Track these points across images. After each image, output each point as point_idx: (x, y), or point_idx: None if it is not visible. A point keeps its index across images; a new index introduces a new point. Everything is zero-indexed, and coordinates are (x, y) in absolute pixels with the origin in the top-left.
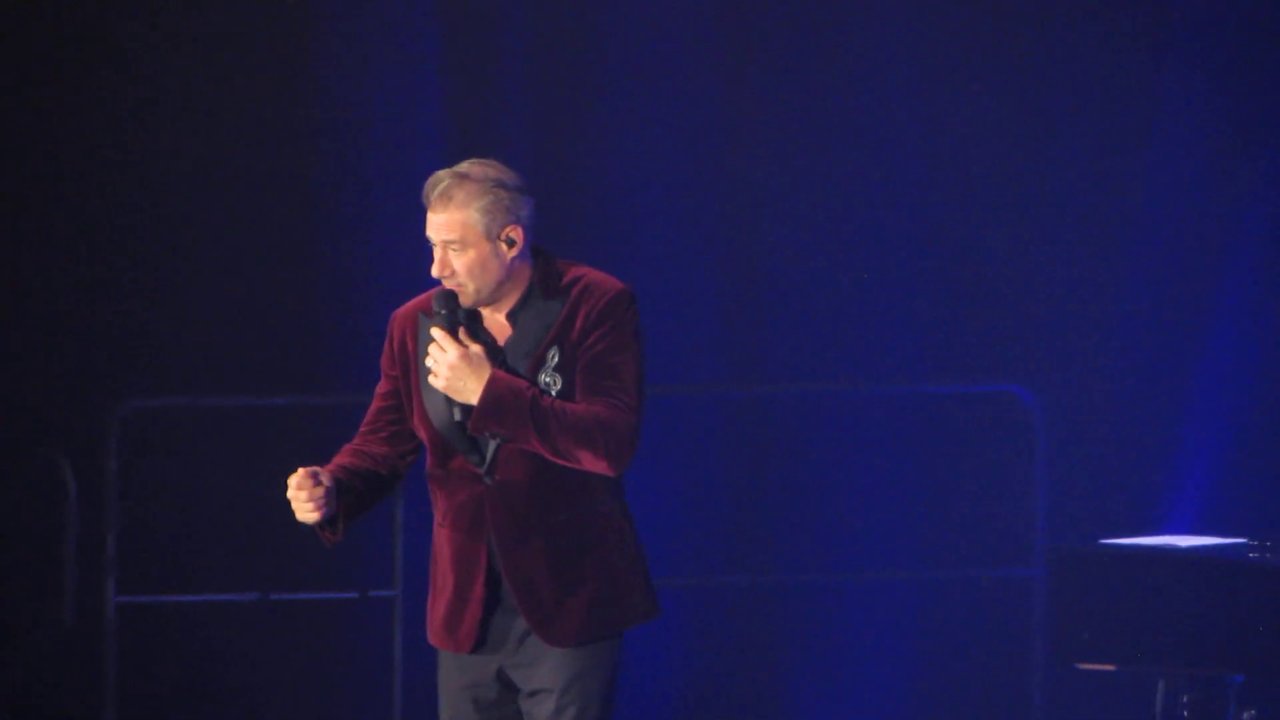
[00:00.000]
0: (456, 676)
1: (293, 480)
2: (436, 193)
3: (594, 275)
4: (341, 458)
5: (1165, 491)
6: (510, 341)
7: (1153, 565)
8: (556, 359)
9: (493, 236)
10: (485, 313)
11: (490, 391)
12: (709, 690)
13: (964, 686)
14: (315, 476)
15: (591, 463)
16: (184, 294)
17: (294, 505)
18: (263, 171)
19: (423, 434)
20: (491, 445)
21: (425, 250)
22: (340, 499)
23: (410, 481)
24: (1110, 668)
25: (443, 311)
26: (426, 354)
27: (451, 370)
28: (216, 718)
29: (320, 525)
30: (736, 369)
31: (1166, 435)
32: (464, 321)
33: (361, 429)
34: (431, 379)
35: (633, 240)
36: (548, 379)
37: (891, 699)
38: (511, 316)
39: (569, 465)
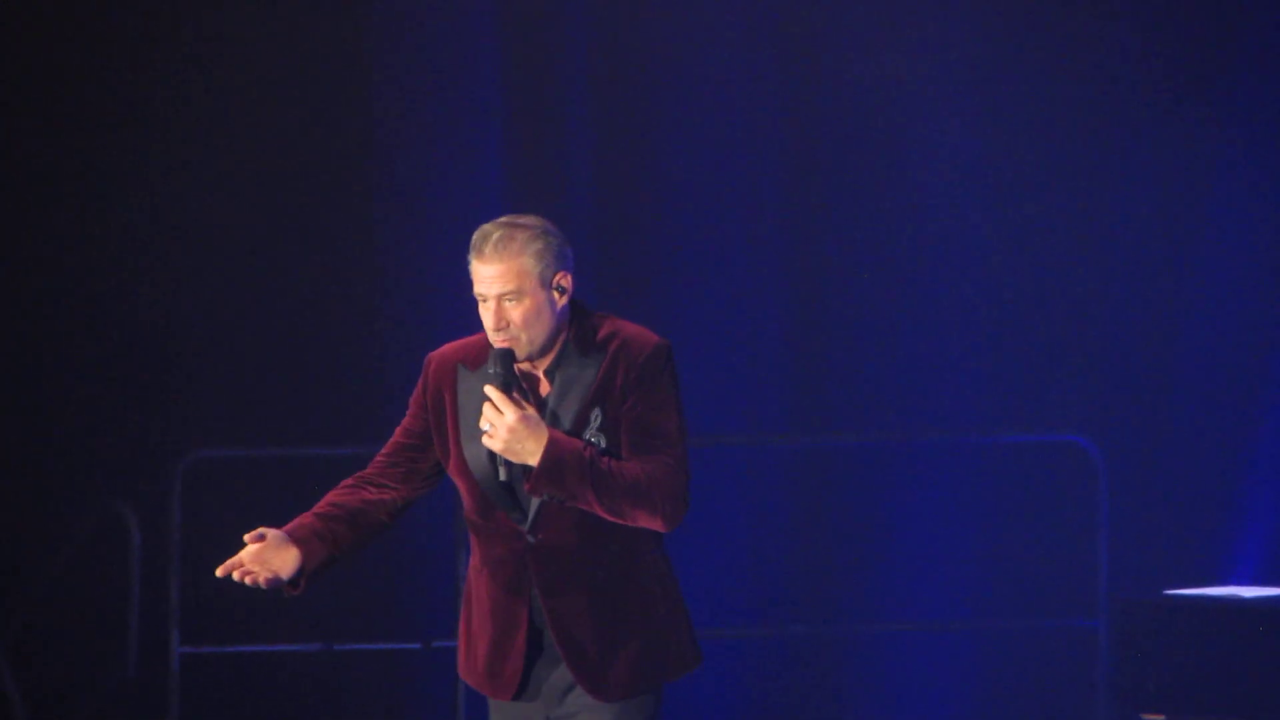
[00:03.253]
0: None
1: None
2: (491, 243)
3: (630, 330)
4: (326, 509)
5: (1229, 542)
6: (552, 400)
7: (1217, 616)
8: (600, 419)
9: (547, 284)
10: (524, 368)
11: (550, 454)
12: None
13: None
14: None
15: (647, 520)
16: (249, 346)
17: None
18: (327, 226)
19: (461, 484)
20: (535, 503)
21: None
22: (312, 549)
23: None
24: (1174, 718)
25: (498, 370)
26: (471, 409)
27: (510, 432)
28: None
29: (284, 582)
30: (799, 419)
31: (1231, 486)
32: (517, 381)
33: (378, 459)
34: (487, 440)
35: (695, 287)
36: (593, 438)
37: None
38: (550, 374)
39: (621, 523)
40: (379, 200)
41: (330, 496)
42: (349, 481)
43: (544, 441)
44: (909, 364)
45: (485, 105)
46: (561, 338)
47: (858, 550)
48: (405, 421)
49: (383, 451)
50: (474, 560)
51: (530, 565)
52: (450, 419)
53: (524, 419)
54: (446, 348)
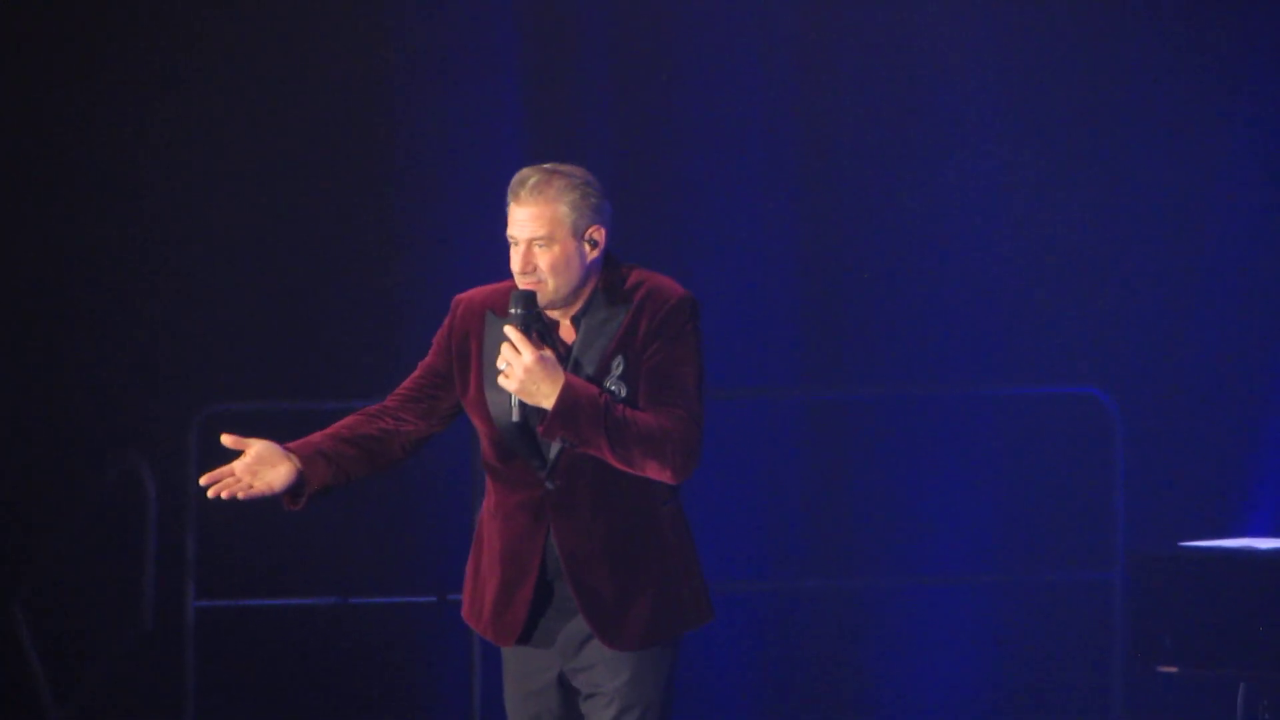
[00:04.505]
0: (520, 683)
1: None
2: (528, 187)
3: (656, 280)
4: (339, 431)
5: (1245, 494)
6: (576, 347)
7: (1233, 568)
8: (622, 367)
9: (579, 234)
10: (553, 315)
11: (565, 397)
12: (785, 694)
13: (1043, 690)
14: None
15: (657, 472)
16: (264, 298)
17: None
18: (344, 179)
19: (481, 428)
20: (553, 449)
21: (505, 254)
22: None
23: None
24: (1190, 671)
25: (519, 311)
26: (496, 355)
27: (526, 373)
28: None
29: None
30: (814, 372)
31: (1246, 438)
32: (537, 324)
33: (399, 391)
34: (503, 380)
35: (710, 243)
36: (614, 386)
37: (970, 703)
38: (576, 321)
39: (631, 472)
40: (395, 154)
41: (346, 420)
42: (370, 410)
43: (559, 385)
44: (924, 317)
45: (503, 62)
46: (590, 287)
47: (873, 504)
48: (428, 359)
49: (404, 385)
50: (488, 504)
51: (548, 512)
52: (475, 364)
53: (541, 360)
54: (475, 292)
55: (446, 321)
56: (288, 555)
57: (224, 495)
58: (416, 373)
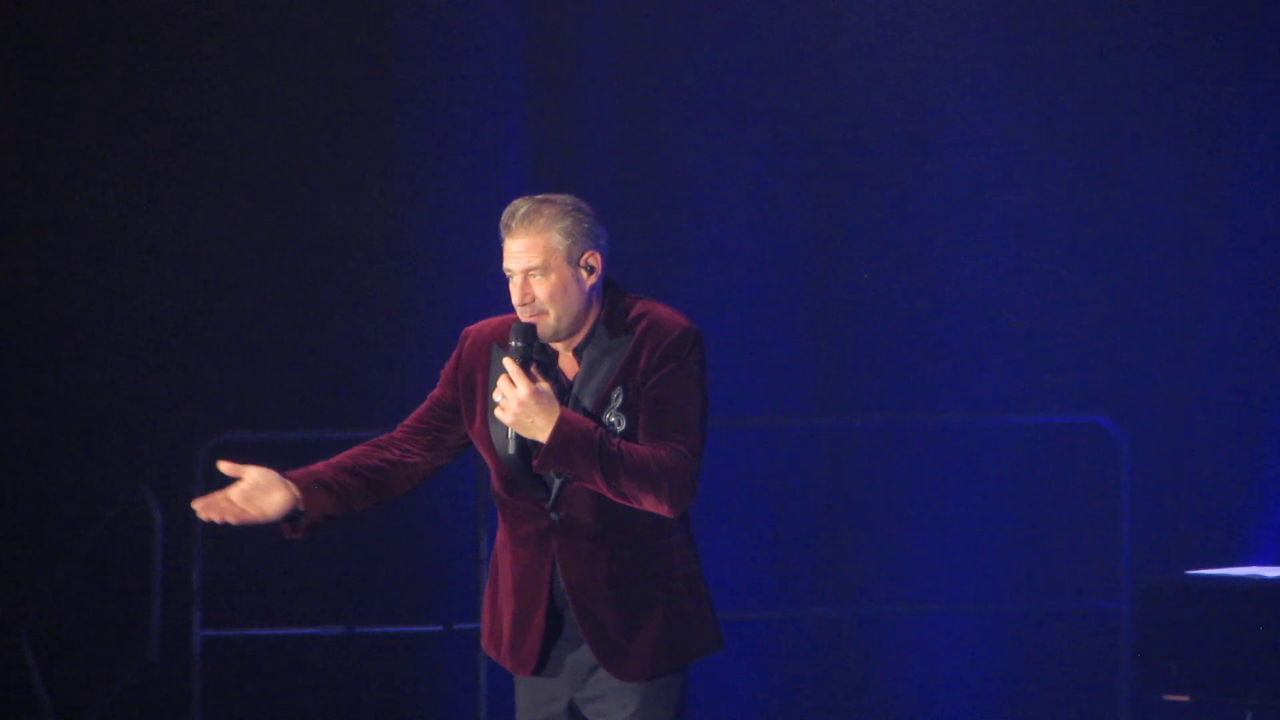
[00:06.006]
0: (530, 711)
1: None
2: (518, 218)
3: (660, 312)
4: (341, 460)
5: (1252, 523)
6: (579, 379)
7: (1239, 596)
8: (621, 399)
9: (574, 261)
10: (556, 348)
11: (559, 432)
12: None
13: (1050, 718)
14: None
15: (653, 505)
16: (271, 329)
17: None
18: (349, 209)
19: (489, 461)
20: (557, 480)
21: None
22: (313, 496)
23: (492, 513)
24: (1197, 699)
25: (518, 344)
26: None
27: (521, 407)
28: None
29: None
30: (822, 400)
31: (1253, 466)
32: (538, 357)
33: (405, 423)
34: (499, 413)
35: (717, 270)
36: (613, 419)
37: None
38: (578, 353)
39: (629, 505)
40: (401, 184)
41: (351, 450)
42: (377, 440)
43: (554, 419)
44: (932, 345)
45: (507, 86)
46: (592, 317)
47: (881, 531)
48: (436, 392)
49: (411, 416)
50: (500, 535)
51: (552, 542)
52: (480, 397)
53: (535, 394)
54: (484, 324)
55: (454, 354)
56: (294, 585)
57: (215, 519)
58: (424, 405)
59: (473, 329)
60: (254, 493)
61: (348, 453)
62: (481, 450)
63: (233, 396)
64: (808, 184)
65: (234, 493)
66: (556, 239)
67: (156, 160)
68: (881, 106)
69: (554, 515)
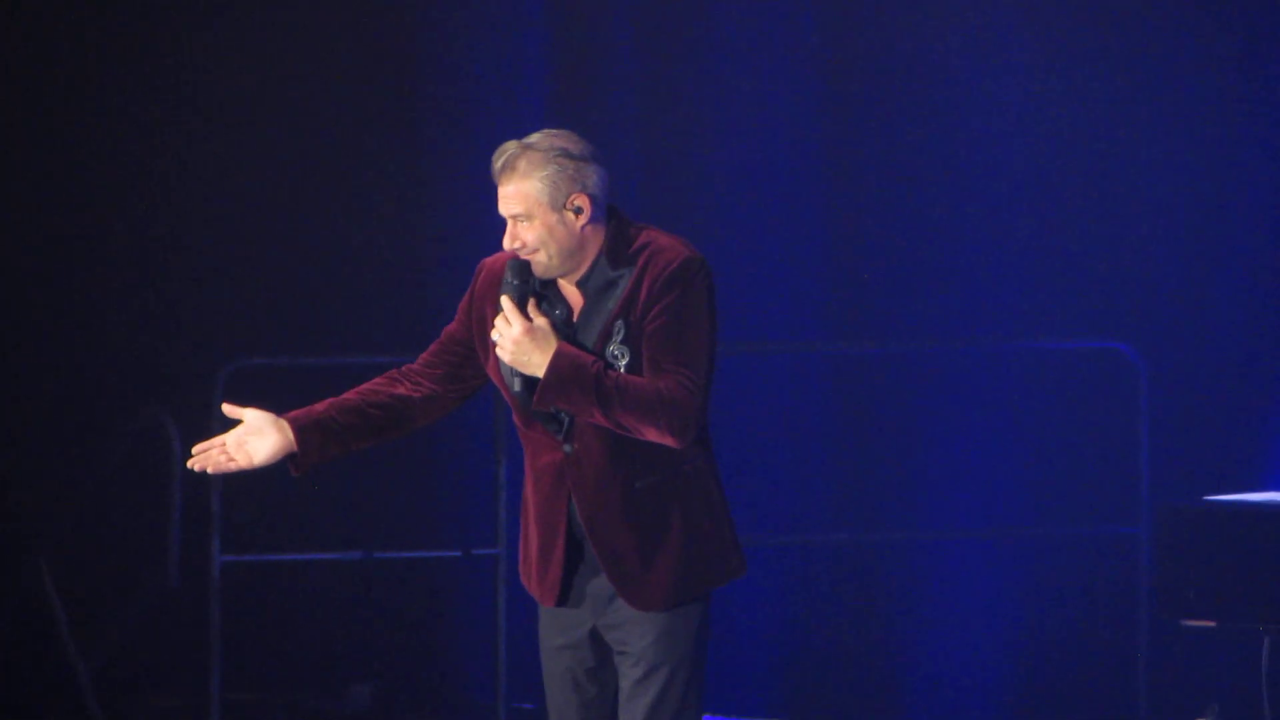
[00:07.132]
0: (554, 635)
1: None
2: (500, 165)
3: (662, 241)
4: (348, 398)
5: (1271, 448)
6: (582, 312)
7: (1258, 521)
8: (623, 332)
9: (558, 206)
10: (559, 283)
11: (554, 368)
12: (810, 648)
13: (1068, 644)
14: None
15: (656, 437)
16: (288, 255)
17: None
18: (368, 138)
19: (505, 394)
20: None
21: None
22: (308, 438)
23: (511, 439)
24: (1215, 624)
25: (514, 281)
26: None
27: (516, 344)
28: (321, 676)
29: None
30: (840, 327)
31: (1272, 392)
32: (536, 292)
33: (423, 356)
34: (498, 351)
35: (737, 199)
36: (615, 351)
37: (995, 656)
38: (582, 285)
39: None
40: (421, 110)
41: (364, 386)
42: (392, 373)
43: (550, 354)
44: (951, 271)
45: (528, 16)
46: (593, 251)
47: (900, 458)
48: (452, 326)
49: (428, 350)
50: (525, 466)
51: (567, 474)
52: (491, 330)
53: (530, 330)
54: (500, 256)
55: (470, 287)
56: (313, 510)
57: (204, 469)
58: (440, 338)
59: (487, 261)
60: (248, 436)
61: (359, 388)
62: (497, 384)
63: (252, 321)
64: (826, 107)
65: (229, 438)
66: (537, 186)
67: (182, 85)
68: (901, 28)
69: (567, 448)
